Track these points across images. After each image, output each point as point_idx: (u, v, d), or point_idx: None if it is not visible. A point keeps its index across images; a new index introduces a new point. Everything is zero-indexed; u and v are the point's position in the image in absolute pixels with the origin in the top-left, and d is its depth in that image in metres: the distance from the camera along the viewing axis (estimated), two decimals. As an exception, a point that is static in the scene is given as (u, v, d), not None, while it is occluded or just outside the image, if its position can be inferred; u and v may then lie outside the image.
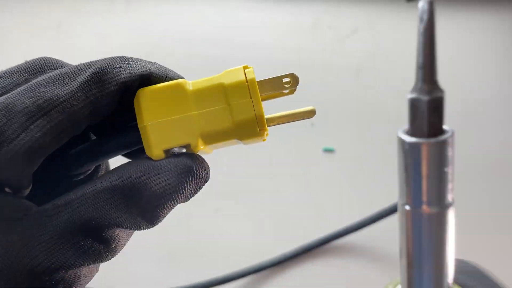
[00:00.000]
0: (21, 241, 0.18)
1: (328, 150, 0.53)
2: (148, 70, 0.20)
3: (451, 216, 0.16)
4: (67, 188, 0.20)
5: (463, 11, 0.62)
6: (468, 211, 0.50)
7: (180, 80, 0.20)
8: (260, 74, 0.21)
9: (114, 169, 0.20)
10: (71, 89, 0.19)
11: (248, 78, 0.20)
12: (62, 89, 0.19)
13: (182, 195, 0.19)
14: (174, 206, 0.19)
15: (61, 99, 0.18)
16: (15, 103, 0.18)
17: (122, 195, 0.18)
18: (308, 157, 0.52)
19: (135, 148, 0.21)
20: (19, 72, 0.20)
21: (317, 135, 0.54)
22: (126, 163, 0.20)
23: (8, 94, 0.19)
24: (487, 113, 0.55)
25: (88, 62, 0.20)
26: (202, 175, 0.19)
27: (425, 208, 0.16)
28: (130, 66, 0.20)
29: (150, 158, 0.20)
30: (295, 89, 0.20)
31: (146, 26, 0.62)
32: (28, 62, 0.21)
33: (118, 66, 0.19)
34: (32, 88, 0.19)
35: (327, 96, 0.56)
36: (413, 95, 0.16)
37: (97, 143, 0.21)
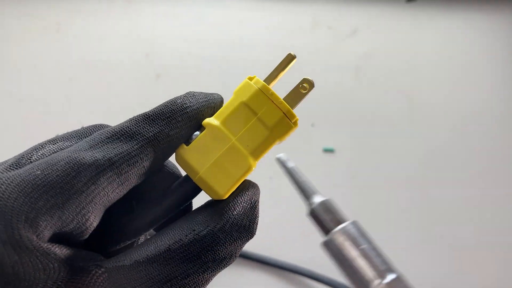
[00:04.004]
0: None
1: (328, 150, 0.53)
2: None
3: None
4: None
5: (463, 11, 0.62)
6: (466, 210, 0.50)
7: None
8: (260, 74, 0.21)
9: (179, 222, 0.20)
10: (139, 145, 0.19)
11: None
12: (130, 144, 0.19)
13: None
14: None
15: (131, 154, 0.19)
16: (83, 155, 0.18)
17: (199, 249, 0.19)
18: (308, 157, 0.52)
19: (186, 204, 0.21)
20: (76, 137, 0.20)
21: (317, 135, 0.54)
22: (190, 215, 0.20)
23: (70, 148, 0.18)
24: (487, 113, 0.55)
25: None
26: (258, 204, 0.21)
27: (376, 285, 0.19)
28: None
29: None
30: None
31: (146, 26, 0.62)
32: (85, 128, 0.21)
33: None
34: (98, 142, 0.19)
35: (327, 96, 0.56)
36: (309, 210, 0.20)
37: (143, 210, 0.21)
